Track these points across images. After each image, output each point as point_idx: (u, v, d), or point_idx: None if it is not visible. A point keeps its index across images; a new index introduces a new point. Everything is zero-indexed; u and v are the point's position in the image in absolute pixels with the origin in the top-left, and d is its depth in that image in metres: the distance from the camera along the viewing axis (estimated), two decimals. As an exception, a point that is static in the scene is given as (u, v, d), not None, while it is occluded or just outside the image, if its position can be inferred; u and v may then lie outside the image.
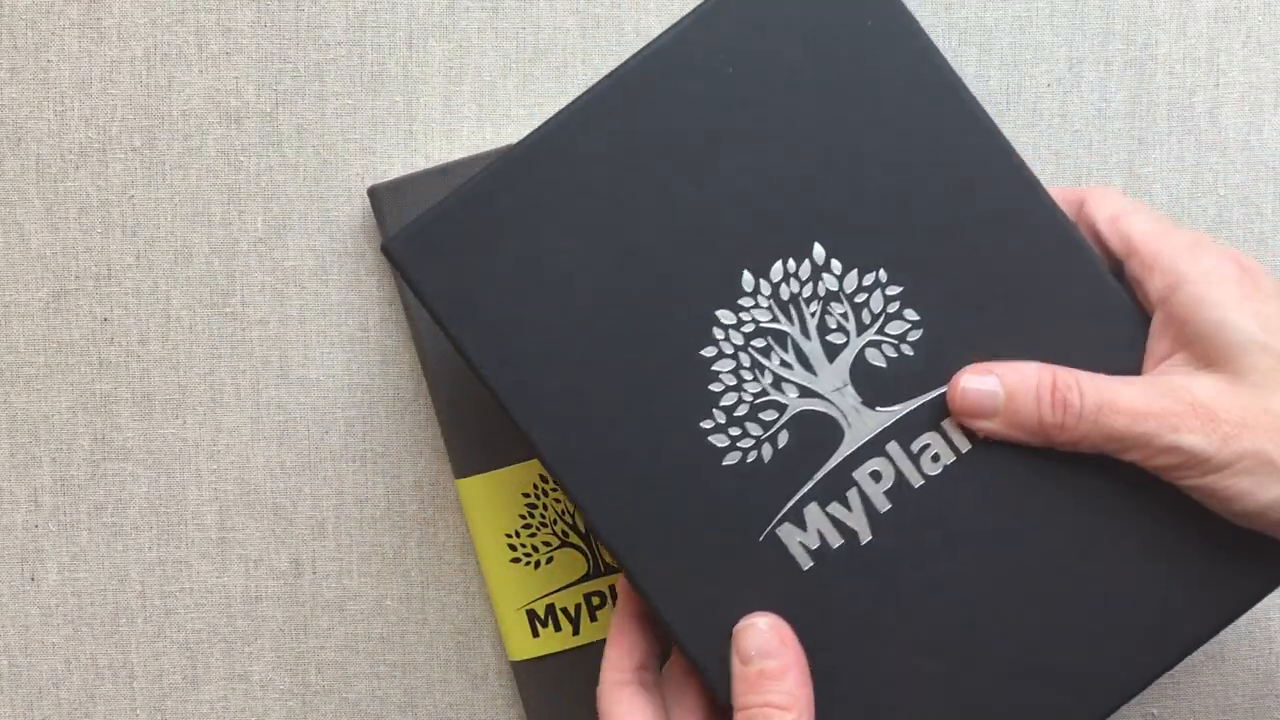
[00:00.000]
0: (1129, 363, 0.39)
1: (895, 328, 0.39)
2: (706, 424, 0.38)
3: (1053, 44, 0.49)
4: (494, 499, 0.47)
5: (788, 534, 0.38)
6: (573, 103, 0.39)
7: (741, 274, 0.39)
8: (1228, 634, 0.49)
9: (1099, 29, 0.49)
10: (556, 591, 0.47)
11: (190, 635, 0.50)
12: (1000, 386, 0.38)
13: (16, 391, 0.49)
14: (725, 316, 0.39)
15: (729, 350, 0.39)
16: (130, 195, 0.49)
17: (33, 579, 0.49)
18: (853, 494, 0.38)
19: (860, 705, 0.38)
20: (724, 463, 0.38)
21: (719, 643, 0.38)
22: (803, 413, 0.39)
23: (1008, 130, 0.40)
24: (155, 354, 0.49)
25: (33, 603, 0.49)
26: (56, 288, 0.49)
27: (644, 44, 0.40)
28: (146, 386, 0.49)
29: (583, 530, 0.47)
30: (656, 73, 0.39)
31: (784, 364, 0.39)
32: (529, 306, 0.38)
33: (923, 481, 0.38)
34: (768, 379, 0.39)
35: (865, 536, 0.38)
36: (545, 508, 0.47)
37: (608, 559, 0.47)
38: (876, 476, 0.38)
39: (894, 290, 0.39)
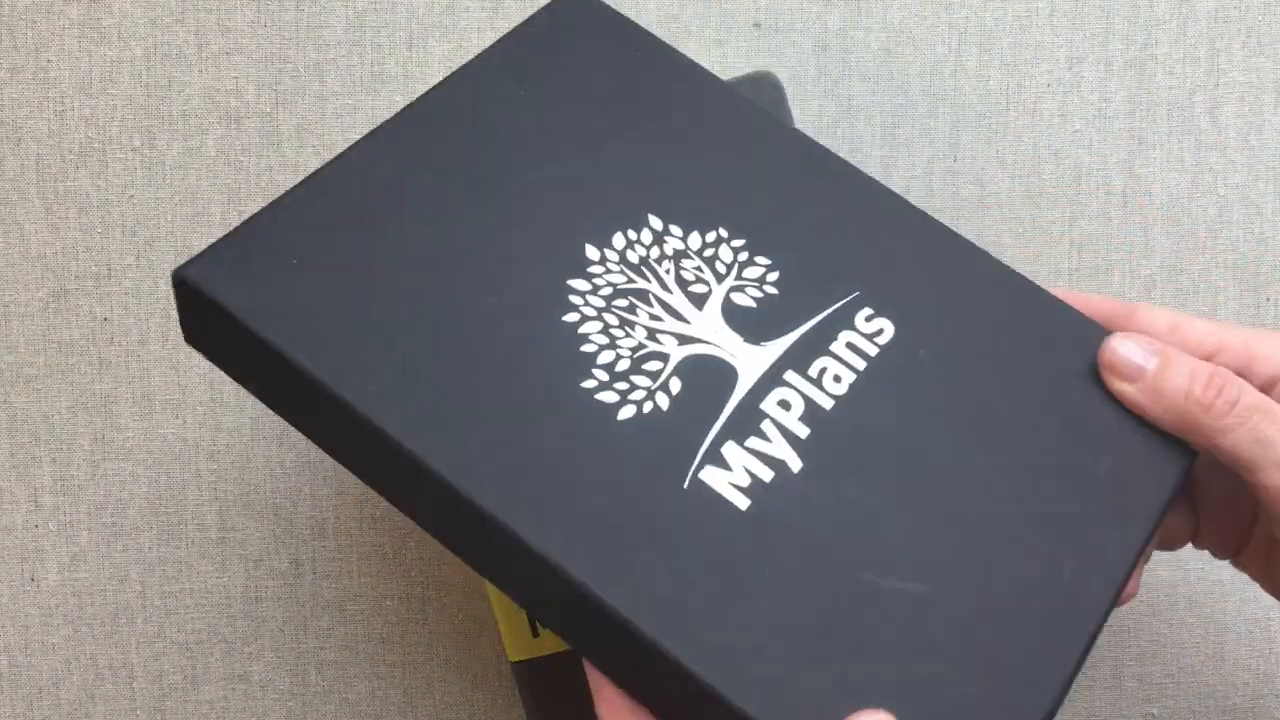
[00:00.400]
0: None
1: (752, 273, 0.39)
2: (589, 384, 0.36)
3: (1053, 44, 0.49)
4: (494, 499, 0.47)
5: (713, 477, 0.36)
6: (374, 131, 0.40)
7: (584, 246, 0.38)
8: (1228, 634, 0.49)
9: (1099, 29, 0.49)
10: (556, 591, 0.47)
11: (190, 635, 0.50)
12: (1156, 352, 0.37)
13: (16, 391, 0.49)
14: (578, 284, 0.38)
15: (591, 313, 0.37)
16: (130, 195, 0.49)
17: (33, 579, 0.49)
18: (767, 425, 0.37)
19: (828, 627, 0.35)
20: (619, 417, 0.36)
21: (674, 614, 0.34)
22: (688, 358, 0.37)
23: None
24: (155, 354, 0.49)
25: (33, 603, 0.49)
26: (56, 288, 0.49)
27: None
28: (146, 386, 0.49)
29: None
30: (457, 94, 0.40)
31: (653, 317, 0.38)
32: (370, 316, 0.36)
33: (833, 402, 0.38)
34: (641, 333, 0.37)
35: (795, 464, 0.36)
36: (545, 508, 0.47)
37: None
38: (785, 405, 0.37)
39: (739, 242, 0.39)
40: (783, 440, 0.37)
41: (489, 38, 0.49)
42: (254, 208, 0.49)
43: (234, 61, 0.49)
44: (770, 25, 0.49)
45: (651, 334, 0.38)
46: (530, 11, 0.49)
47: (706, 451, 0.36)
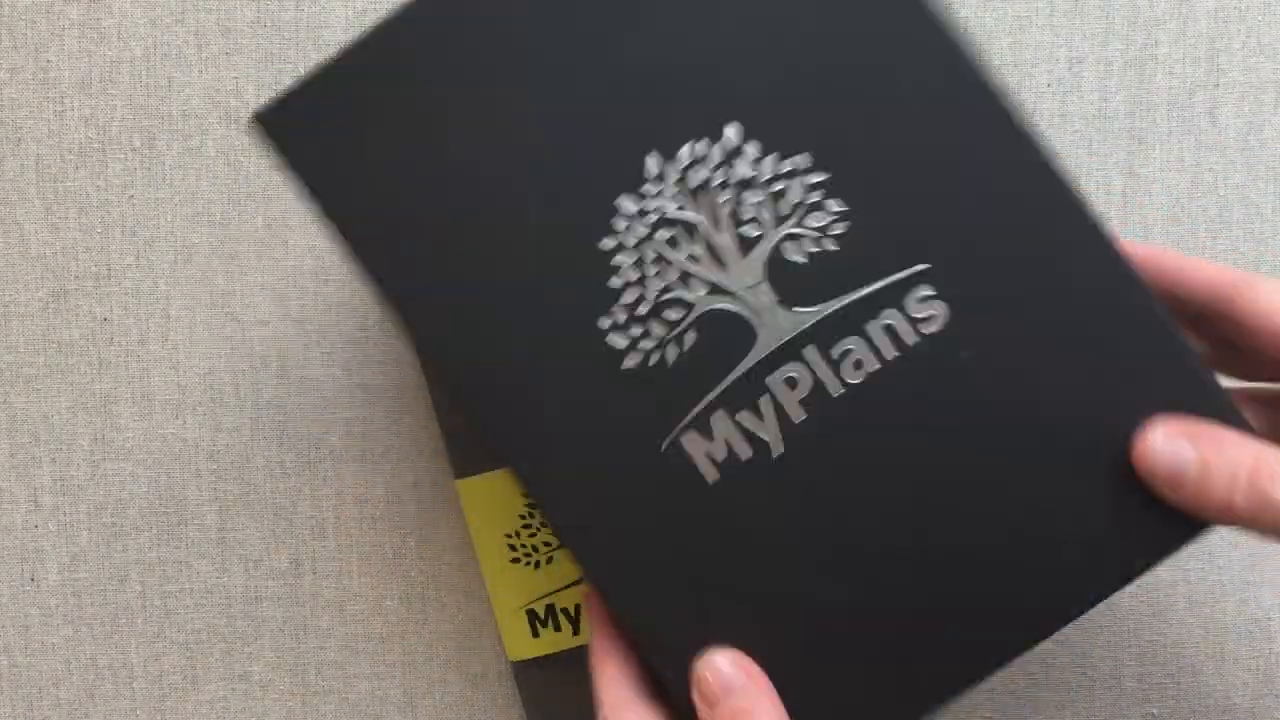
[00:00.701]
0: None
1: (817, 219, 0.35)
2: (604, 322, 0.35)
3: (1053, 44, 0.49)
4: (494, 499, 0.47)
5: (693, 443, 0.35)
6: None
7: (646, 158, 0.35)
8: (1228, 634, 0.49)
9: (1099, 29, 0.49)
10: (556, 591, 0.47)
11: (190, 635, 0.50)
12: (1195, 458, 0.34)
13: (16, 391, 0.49)
14: (627, 205, 0.35)
15: (631, 242, 0.35)
16: (130, 195, 0.49)
17: (33, 579, 0.49)
18: (765, 402, 0.35)
19: (762, 625, 0.35)
20: (623, 365, 0.35)
21: (614, 551, 0.35)
22: (712, 311, 0.35)
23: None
24: (155, 354, 0.49)
25: (33, 603, 0.49)
26: (56, 288, 0.49)
27: None
28: (146, 386, 0.49)
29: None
30: None
31: (692, 258, 0.35)
32: (410, 185, 0.35)
33: (842, 390, 0.35)
34: (673, 274, 0.35)
35: (777, 449, 0.35)
36: (545, 508, 0.47)
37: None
38: (792, 383, 0.35)
39: (817, 178, 0.35)
40: (774, 421, 0.35)
41: (489, 38, 0.49)
42: (254, 207, 0.49)
43: (234, 61, 0.49)
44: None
45: (683, 277, 0.35)
46: (530, 11, 0.49)
47: (694, 418, 0.35)
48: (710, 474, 0.35)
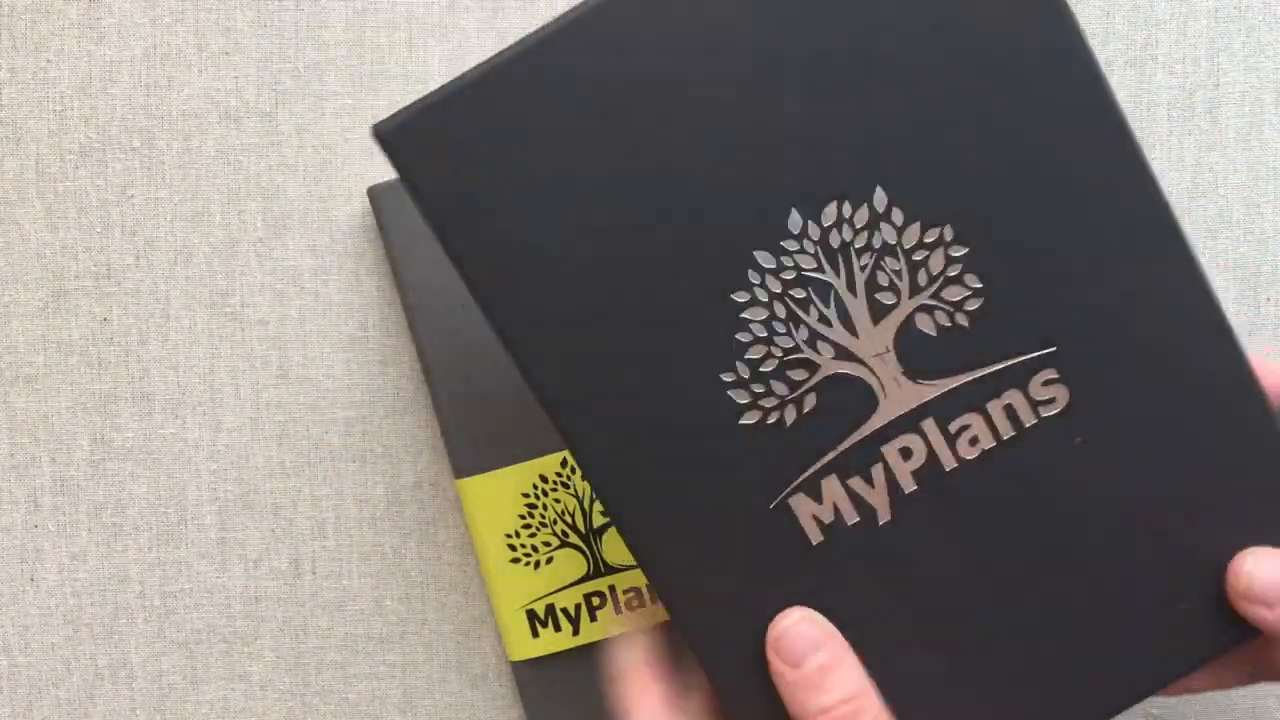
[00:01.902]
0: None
1: (953, 293, 0.35)
2: (727, 376, 0.34)
3: (1053, 44, 0.49)
4: (494, 499, 0.47)
5: (800, 504, 0.35)
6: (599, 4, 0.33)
7: (789, 212, 0.34)
8: (1228, 634, 0.49)
9: (1099, 29, 0.49)
10: (556, 591, 0.47)
11: (190, 635, 0.50)
12: None
13: (16, 391, 0.49)
14: (765, 259, 0.34)
15: (764, 297, 0.34)
16: (130, 195, 0.49)
17: (33, 579, 0.49)
18: (877, 470, 0.35)
19: None
20: (741, 421, 0.35)
21: (715, 612, 0.35)
22: (835, 375, 0.35)
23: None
24: (155, 354, 0.49)
25: (33, 603, 0.49)
26: (56, 288, 0.49)
27: None
28: (146, 386, 0.49)
29: (583, 531, 0.47)
30: None
31: (823, 319, 0.35)
32: (538, 219, 0.34)
33: (956, 465, 0.35)
34: (802, 334, 0.34)
35: (884, 517, 0.35)
36: (545, 508, 0.47)
37: (608, 559, 0.47)
38: (906, 454, 0.35)
39: (958, 251, 0.34)
40: (885, 489, 0.35)
41: (489, 38, 0.49)
42: (254, 207, 0.49)
43: (234, 61, 0.49)
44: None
45: (812, 338, 0.35)
46: (532, 12, 0.49)
47: (806, 480, 0.35)
48: (815, 535, 0.35)
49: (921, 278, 0.35)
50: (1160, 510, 0.36)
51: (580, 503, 0.47)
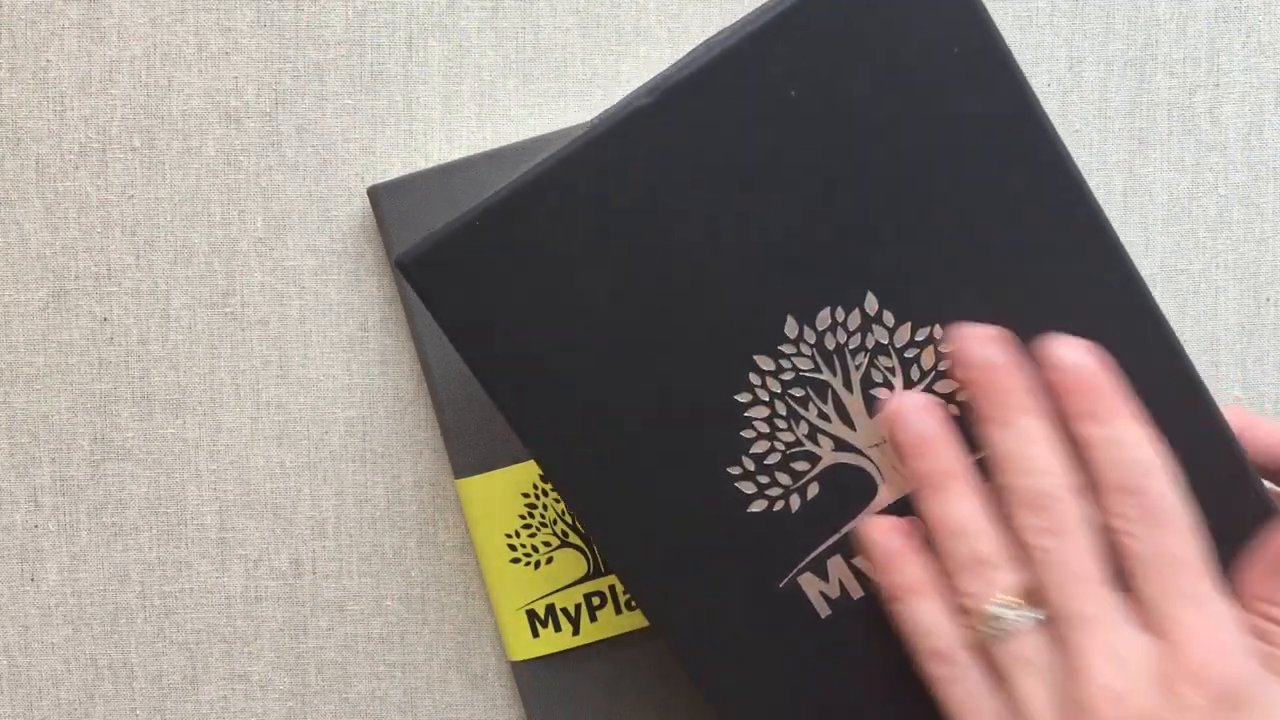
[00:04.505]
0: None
1: (944, 387, 0.36)
2: (734, 470, 0.37)
3: (1053, 44, 0.49)
4: (494, 499, 0.47)
5: (809, 583, 0.37)
6: (611, 111, 0.36)
7: (785, 319, 0.36)
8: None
9: (1099, 29, 0.49)
10: (556, 591, 0.47)
11: (190, 635, 0.50)
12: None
13: (16, 391, 0.49)
14: (764, 363, 0.36)
15: (765, 397, 0.36)
16: (130, 195, 0.49)
17: (33, 579, 0.49)
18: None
19: None
20: (749, 510, 0.37)
21: (732, 680, 0.38)
22: (836, 465, 0.37)
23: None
24: (155, 354, 0.49)
25: (33, 603, 0.49)
26: (56, 288, 0.49)
27: (686, 46, 0.38)
28: (146, 386, 0.49)
29: (583, 530, 0.47)
30: (710, 86, 0.35)
31: (822, 415, 0.37)
32: (552, 335, 0.36)
33: None
34: (803, 429, 0.37)
35: None
36: (545, 508, 0.47)
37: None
38: None
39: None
40: None
41: (489, 38, 0.49)
42: (254, 207, 0.49)
43: (234, 61, 0.49)
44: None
45: (813, 433, 0.37)
46: (532, 13, 0.49)
47: (812, 560, 0.37)
48: (823, 609, 0.38)
49: (914, 373, 0.37)
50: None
51: (580, 503, 0.47)
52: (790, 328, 0.36)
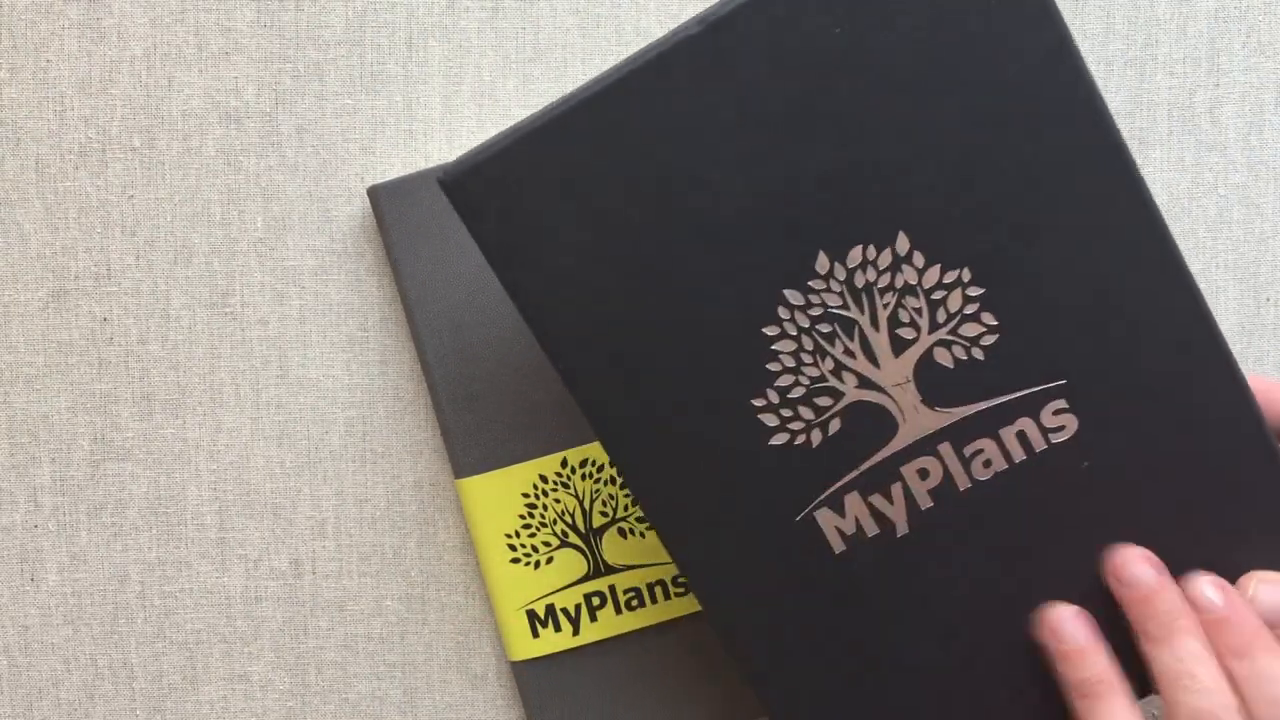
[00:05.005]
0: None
1: (970, 330, 0.37)
2: (758, 401, 0.37)
3: (1053, 44, 0.49)
4: (494, 499, 0.47)
5: (825, 518, 0.38)
6: (659, 40, 0.36)
7: (817, 255, 0.37)
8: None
9: (1099, 29, 0.49)
10: (556, 591, 0.47)
11: (190, 635, 0.50)
12: None
13: (16, 391, 0.49)
14: (793, 297, 0.37)
15: (792, 331, 0.37)
16: (130, 195, 0.49)
17: (33, 579, 0.49)
18: (896, 488, 0.38)
19: (874, 683, 0.39)
20: (770, 442, 0.37)
21: (743, 610, 0.38)
22: (859, 403, 0.38)
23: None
24: (155, 354, 0.49)
25: (32, 603, 0.49)
26: (56, 288, 0.49)
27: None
28: (146, 386, 0.49)
29: (583, 531, 0.47)
30: (758, 19, 0.36)
31: (847, 352, 0.37)
32: (587, 258, 0.37)
33: (969, 485, 0.38)
34: (828, 365, 0.37)
35: (901, 529, 0.38)
36: (545, 508, 0.47)
37: (608, 559, 0.47)
38: (923, 474, 0.38)
39: (975, 291, 0.37)
40: (903, 505, 0.38)
41: (489, 38, 0.49)
42: (254, 207, 0.49)
43: (234, 61, 0.49)
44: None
45: (837, 368, 0.37)
46: (531, 13, 0.49)
47: (830, 495, 0.38)
48: (837, 545, 0.38)
49: (940, 315, 0.37)
50: (1163, 531, 0.38)
51: (580, 503, 0.47)
52: (821, 263, 0.37)
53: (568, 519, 0.47)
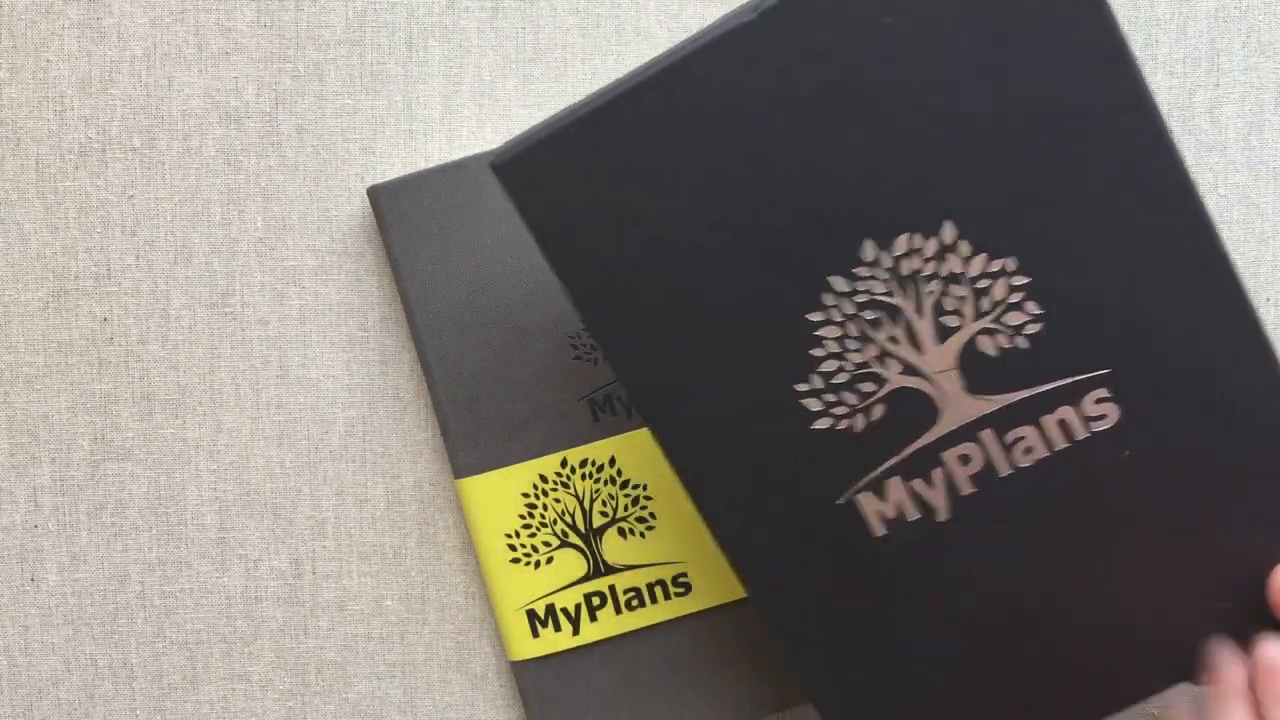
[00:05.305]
0: None
1: (1014, 318, 0.38)
2: (802, 386, 0.38)
3: (1053, 44, 0.49)
4: (494, 499, 0.47)
5: (866, 502, 0.38)
6: (710, 27, 0.36)
7: (863, 243, 0.37)
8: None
9: (1099, 29, 0.49)
10: (556, 591, 0.47)
11: (190, 635, 0.50)
12: None
13: (16, 391, 0.49)
14: (839, 284, 0.37)
15: (837, 318, 0.38)
16: (130, 195, 0.49)
17: (33, 579, 0.49)
18: (938, 473, 0.38)
19: (910, 666, 0.39)
20: (813, 426, 0.38)
21: (782, 592, 0.39)
22: (902, 389, 0.38)
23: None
24: (155, 354, 0.49)
25: (33, 603, 0.49)
26: (56, 288, 0.49)
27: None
28: (146, 386, 0.49)
29: (583, 531, 0.47)
30: (811, 7, 0.36)
31: (892, 339, 0.38)
32: (634, 244, 0.37)
33: (1010, 471, 0.38)
34: (872, 351, 0.38)
35: (942, 515, 0.38)
36: (545, 508, 0.47)
37: (608, 559, 0.47)
38: (965, 460, 0.38)
39: (1020, 280, 0.37)
40: (944, 490, 0.38)
41: (489, 38, 0.49)
42: (254, 207, 0.49)
43: (234, 61, 0.49)
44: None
45: (881, 355, 0.38)
46: (531, 13, 0.49)
47: (872, 480, 0.38)
48: (878, 529, 0.39)
49: (985, 303, 0.37)
50: (1202, 518, 0.38)
51: (580, 503, 0.47)
52: (868, 251, 0.37)
53: (568, 519, 0.47)
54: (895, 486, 0.38)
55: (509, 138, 0.49)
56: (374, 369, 0.49)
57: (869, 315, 0.38)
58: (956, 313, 0.38)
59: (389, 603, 0.50)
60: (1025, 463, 0.38)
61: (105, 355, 0.49)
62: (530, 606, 0.47)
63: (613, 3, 0.49)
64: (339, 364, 0.49)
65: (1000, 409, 0.38)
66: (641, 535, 0.47)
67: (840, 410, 0.38)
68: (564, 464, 0.47)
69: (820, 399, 0.38)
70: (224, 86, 0.49)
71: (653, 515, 0.47)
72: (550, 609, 0.47)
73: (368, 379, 0.49)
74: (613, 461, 0.47)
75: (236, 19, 0.49)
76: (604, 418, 0.47)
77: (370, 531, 0.49)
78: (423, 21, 0.49)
